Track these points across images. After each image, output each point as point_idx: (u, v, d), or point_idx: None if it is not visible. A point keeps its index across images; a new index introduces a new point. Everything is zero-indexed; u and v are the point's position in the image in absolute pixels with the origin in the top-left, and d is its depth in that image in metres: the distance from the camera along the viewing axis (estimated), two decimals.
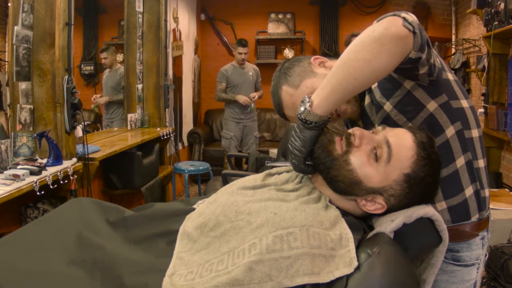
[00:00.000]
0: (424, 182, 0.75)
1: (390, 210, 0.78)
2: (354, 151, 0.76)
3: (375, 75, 0.72)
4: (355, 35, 0.96)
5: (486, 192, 0.90)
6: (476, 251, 0.89)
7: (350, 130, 0.80)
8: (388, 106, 0.86)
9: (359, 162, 0.75)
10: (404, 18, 0.69)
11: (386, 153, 0.74)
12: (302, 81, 0.91)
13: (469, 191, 0.86)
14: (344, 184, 0.76)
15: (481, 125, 0.90)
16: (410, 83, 0.83)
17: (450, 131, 0.84)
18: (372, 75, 0.71)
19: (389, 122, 0.86)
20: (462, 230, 0.87)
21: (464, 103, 0.86)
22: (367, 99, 0.93)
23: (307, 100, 0.77)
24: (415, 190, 0.75)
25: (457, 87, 0.86)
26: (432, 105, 0.83)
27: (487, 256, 0.94)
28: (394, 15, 0.70)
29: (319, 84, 0.80)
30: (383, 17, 0.72)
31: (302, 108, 0.77)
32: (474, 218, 0.88)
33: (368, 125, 0.94)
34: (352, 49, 0.71)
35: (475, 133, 0.87)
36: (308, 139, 0.78)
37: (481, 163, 0.88)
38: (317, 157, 0.79)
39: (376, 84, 0.88)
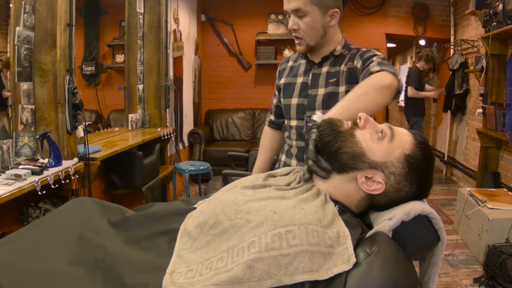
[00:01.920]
0: (421, 166, 0.79)
1: (387, 194, 0.79)
2: (358, 129, 0.81)
3: (376, 108, 1.01)
4: None
5: None
6: None
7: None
8: None
9: (363, 137, 0.80)
10: (399, 80, 1.04)
11: (389, 133, 0.80)
12: (315, 5, 1.17)
13: None
14: (348, 156, 0.79)
15: None
16: None
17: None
18: (375, 108, 1.00)
19: None
20: None
21: None
22: (325, 68, 1.28)
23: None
24: (413, 173, 0.79)
25: None
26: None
27: None
28: (394, 73, 1.04)
29: (315, 24, 1.20)
30: (386, 69, 1.05)
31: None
32: None
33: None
34: (365, 87, 1.01)
35: None
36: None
37: None
38: (323, 131, 0.82)
39: (343, 69, 1.25)
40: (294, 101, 1.33)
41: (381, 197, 0.80)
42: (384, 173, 0.78)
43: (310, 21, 1.19)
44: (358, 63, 1.18)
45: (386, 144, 0.79)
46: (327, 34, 1.24)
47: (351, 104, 0.97)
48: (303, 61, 1.36)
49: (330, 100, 1.22)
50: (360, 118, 0.82)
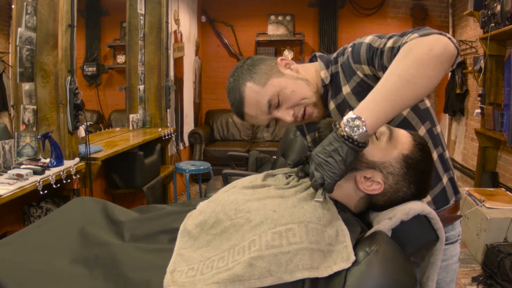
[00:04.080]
0: (420, 167, 0.79)
1: (386, 194, 0.80)
2: None
3: (430, 91, 0.75)
4: None
5: (455, 176, 1.00)
6: (458, 228, 1.00)
7: None
8: None
9: None
10: (450, 39, 0.73)
11: (387, 134, 0.80)
12: (268, 79, 0.90)
13: (444, 179, 0.96)
14: None
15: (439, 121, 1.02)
16: None
17: (422, 131, 0.92)
18: (428, 91, 0.74)
19: None
20: (446, 215, 0.96)
21: (427, 103, 0.95)
22: (332, 104, 0.95)
23: (360, 121, 0.71)
24: (411, 173, 0.79)
25: None
26: (405, 110, 0.89)
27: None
28: (441, 34, 0.74)
29: (287, 84, 0.90)
30: (428, 32, 0.74)
31: (357, 130, 0.71)
32: (452, 201, 0.97)
33: None
34: (413, 65, 0.71)
35: (438, 129, 0.97)
36: (350, 162, 0.72)
37: (447, 153, 0.98)
38: (322, 133, 0.81)
39: (349, 91, 0.91)
40: None
41: (380, 197, 0.80)
42: (383, 173, 0.78)
43: (285, 92, 0.90)
44: (365, 69, 0.87)
45: (384, 145, 0.79)
46: (307, 78, 0.94)
47: (398, 95, 0.71)
48: None
49: None
50: None
